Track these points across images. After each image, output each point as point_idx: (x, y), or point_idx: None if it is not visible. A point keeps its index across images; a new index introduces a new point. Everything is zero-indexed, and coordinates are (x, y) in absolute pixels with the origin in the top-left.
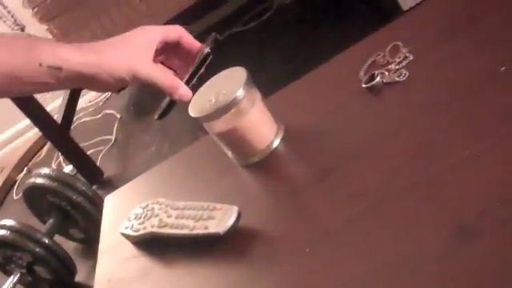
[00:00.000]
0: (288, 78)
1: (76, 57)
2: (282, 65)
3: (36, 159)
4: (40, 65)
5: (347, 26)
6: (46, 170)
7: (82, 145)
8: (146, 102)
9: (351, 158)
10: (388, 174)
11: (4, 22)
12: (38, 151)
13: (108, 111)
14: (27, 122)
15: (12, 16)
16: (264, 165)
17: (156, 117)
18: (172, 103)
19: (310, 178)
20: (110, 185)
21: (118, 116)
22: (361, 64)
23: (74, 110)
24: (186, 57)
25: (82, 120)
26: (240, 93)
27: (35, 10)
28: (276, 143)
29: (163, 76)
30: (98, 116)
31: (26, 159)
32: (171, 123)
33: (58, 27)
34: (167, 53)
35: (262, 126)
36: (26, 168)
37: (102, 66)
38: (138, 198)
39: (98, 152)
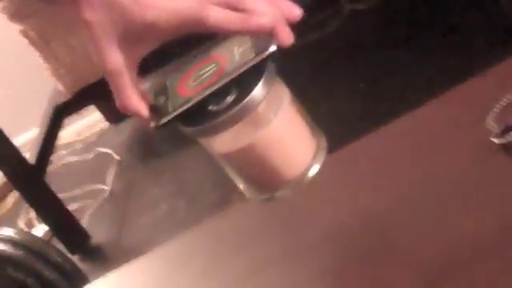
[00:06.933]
0: (364, 119)
1: None
2: (355, 98)
3: None
4: None
5: (459, 43)
6: (8, 232)
7: (61, 196)
8: (155, 138)
9: (474, 257)
10: None
11: None
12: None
13: (102, 149)
14: None
15: None
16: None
17: (154, 124)
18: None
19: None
20: (99, 255)
21: (117, 158)
22: (489, 106)
23: (53, 145)
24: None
25: (65, 161)
26: (258, 91)
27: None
28: (314, 170)
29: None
30: (88, 156)
31: None
32: (191, 171)
33: (34, 28)
34: None
35: (292, 143)
36: None
37: None
38: None
39: (85, 207)
